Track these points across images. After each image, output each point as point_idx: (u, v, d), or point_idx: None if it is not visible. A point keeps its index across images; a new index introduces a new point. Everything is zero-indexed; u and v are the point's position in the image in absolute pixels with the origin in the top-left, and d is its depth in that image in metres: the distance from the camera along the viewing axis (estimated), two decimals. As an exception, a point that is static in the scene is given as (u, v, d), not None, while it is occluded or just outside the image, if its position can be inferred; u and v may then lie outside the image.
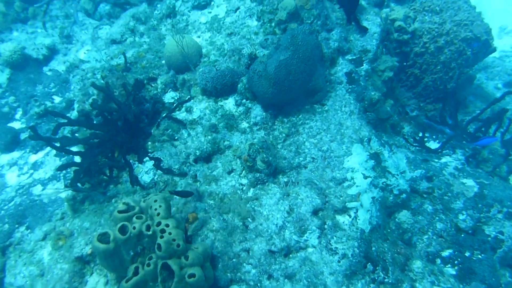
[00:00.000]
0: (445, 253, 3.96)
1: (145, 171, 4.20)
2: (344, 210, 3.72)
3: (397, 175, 4.13)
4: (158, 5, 6.00)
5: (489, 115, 4.77)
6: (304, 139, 4.17)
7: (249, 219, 3.68)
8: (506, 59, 9.81)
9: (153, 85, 4.85)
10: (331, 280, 3.31)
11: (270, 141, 4.20)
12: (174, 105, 4.57)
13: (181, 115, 4.53)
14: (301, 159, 4.07)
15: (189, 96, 4.65)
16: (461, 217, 4.06)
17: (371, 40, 4.68)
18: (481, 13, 5.02)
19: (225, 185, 4.00)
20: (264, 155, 3.90)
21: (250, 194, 3.90)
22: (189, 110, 4.52)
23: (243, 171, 4.05)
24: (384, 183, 3.99)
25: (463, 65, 4.78)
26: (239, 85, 4.45)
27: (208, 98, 4.58)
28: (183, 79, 4.77)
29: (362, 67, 4.55)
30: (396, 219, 4.01)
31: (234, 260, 3.41)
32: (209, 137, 4.28)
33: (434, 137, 5.05)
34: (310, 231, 3.56)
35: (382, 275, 3.49)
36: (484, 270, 3.79)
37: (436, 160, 4.60)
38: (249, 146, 3.97)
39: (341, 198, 3.77)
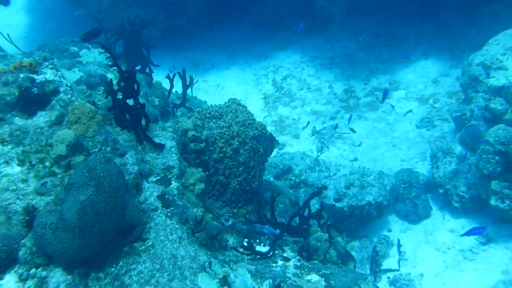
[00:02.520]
0: None
1: None
2: None
3: (252, 293, 3.78)
4: None
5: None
6: (137, 291, 3.37)
7: None
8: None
9: None
10: None
11: (91, 312, 3.20)
12: None
13: None
14: (141, 318, 3.23)
15: None
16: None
17: (171, 155, 4.45)
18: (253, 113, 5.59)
19: None
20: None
21: None
22: None
23: None
24: (247, 307, 3.56)
25: (259, 162, 5.09)
26: (20, 252, 3.33)
27: (-29, 286, 3.22)
28: None
29: (172, 186, 4.21)
30: None
31: None
32: None
33: (257, 241, 5.01)
34: None
35: None
36: None
37: (275, 264, 4.52)
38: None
39: None
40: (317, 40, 14.82)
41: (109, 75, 6.65)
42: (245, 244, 4.71)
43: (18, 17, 18.03)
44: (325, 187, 4.68)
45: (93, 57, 8.15)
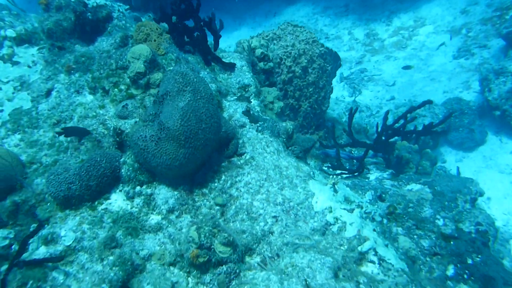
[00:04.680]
0: (450, 272, 3.57)
1: None
2: (361, 258, 2.96)
3: (361, 202, 3.67)
4: None
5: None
6: (249, 200, 3.25)
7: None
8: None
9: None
10: None
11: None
12: (18, 246, 2.88)
13: (39, 252, 2.87)
14: (261, 224, 3.12)
15: (38, 222, 3.04)
16: (439, 223, 3.84)
17: (244, 74, 4.29)
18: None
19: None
20: (225, 234, 2.79)
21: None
22: (51, 239, 2.92)
23: (191, 278, 2.80)
24: (364, 212, 3.45)
25: (328, 82, 4.93)
26: (122, 170, 3.20)
27: (75, 211, 3.09)
28: (14, 203, 3.12)
29: (252, 104, 4.06)
30: (400, 250, 3.47)
31: None
32: (111, 257, 2.83)
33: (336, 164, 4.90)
34: (350, 303, 2.62)
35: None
36: (497, 270, 3.57)
37: (367, 180, 4.41)
38: (197, 232, 2.78)
39: (344, 247, 3.01)
40: (325, -9, 14.55)
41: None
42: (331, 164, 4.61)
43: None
44: (430, 101, 4.58)
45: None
